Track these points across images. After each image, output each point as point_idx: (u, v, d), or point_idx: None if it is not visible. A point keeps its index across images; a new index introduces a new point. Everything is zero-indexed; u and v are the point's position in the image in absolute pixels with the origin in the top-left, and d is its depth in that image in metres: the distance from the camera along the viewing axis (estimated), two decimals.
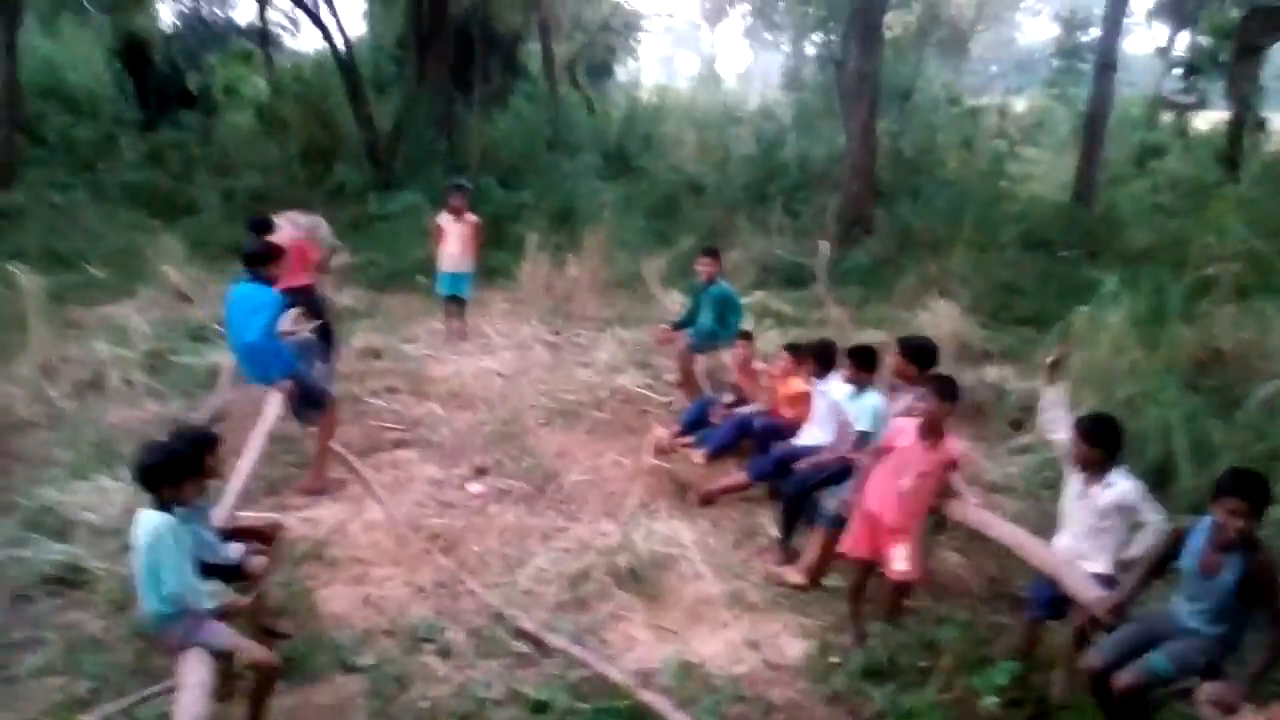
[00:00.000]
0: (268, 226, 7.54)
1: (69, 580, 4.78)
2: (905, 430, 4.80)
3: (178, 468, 3.72)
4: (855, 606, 4.99)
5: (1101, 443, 4.29)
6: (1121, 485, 4.27)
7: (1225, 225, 8.68)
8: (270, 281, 5.95)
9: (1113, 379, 7.05)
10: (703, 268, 8.07)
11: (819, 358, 6.32)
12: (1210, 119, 20.70)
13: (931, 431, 4.69)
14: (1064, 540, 4.49)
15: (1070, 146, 18.89)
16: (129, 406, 7.06)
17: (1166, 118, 22.49)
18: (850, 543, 4.95)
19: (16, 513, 5.37)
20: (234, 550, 4.17)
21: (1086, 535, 4.39)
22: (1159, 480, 6.30)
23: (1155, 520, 4.25)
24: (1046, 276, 11.40)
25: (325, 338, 7.64)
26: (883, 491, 4.80)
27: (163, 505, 3.68)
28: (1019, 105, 27.14)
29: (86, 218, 11.20)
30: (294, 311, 6.31)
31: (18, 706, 3.96)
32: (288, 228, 7.63)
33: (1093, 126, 14.88)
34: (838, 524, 5.21)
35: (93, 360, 7.48)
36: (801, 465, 5.87)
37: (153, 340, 8.10)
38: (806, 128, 19.96)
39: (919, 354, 5.34)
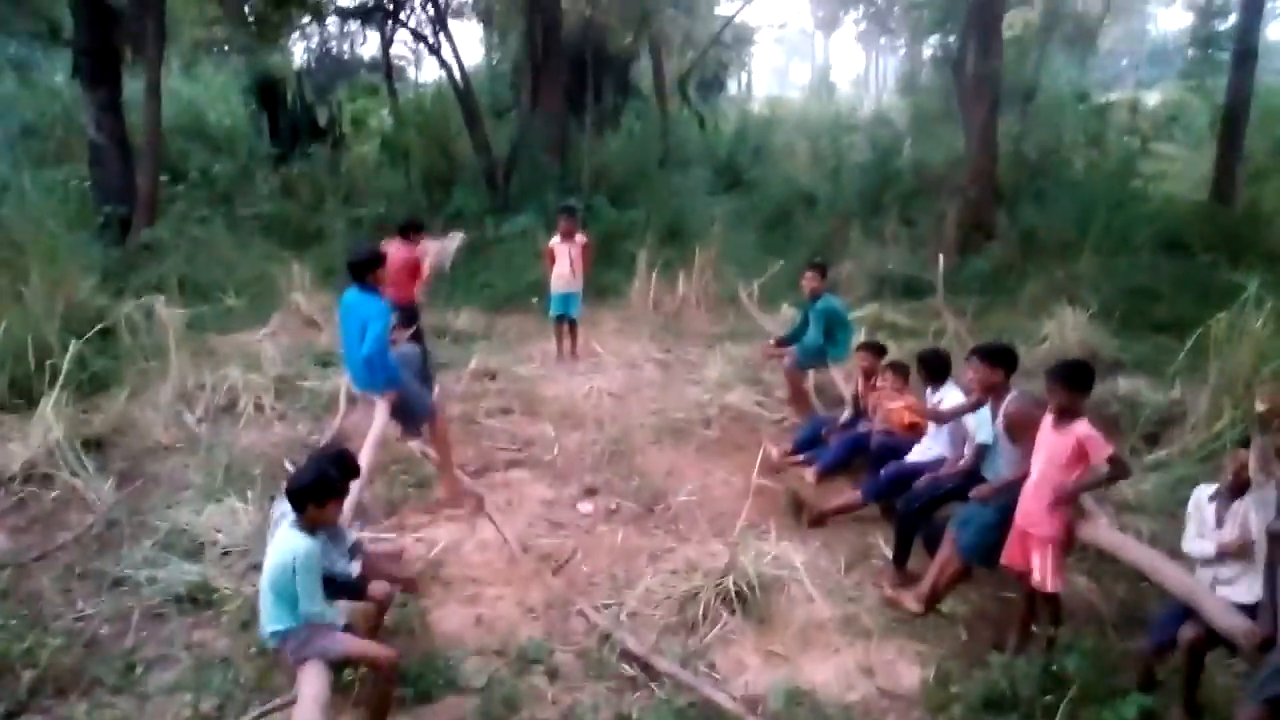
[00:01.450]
0: (419, 226, 8.29)
1: (199, 599, 5.02)
2: (1042, 425, 4.60)
3: (325, 490, 3.87)
4: (1023, 616, 4.86)
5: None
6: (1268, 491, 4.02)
7: None
8: (376, 287, 6.06)
9: (1255, 389, 6.59)
10: (808, 283, 7.95)
11: (930, 367, 6.13)
12: None
13: (1061, 418, 4.46)
14: (1206, 572, 4.24)
15: (1208, 141, 17.79)
16: (259, 430, 7.40)
17: None
18: (1007, 554, 4.79)
19: (153, 534, 5.68)
20: (354, 567, 4.32)
21: (1231, 561, 4.12)
22: None
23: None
24: (1183, 280, 10.76)
25: (421, 349, 7.92)
26: (1025, 498, 4.63)
27: (306, 525, 3.83)
28: (1152, 99, 25.78)
29: (223, 249, 11.80)
30: (400, 330, 6.51)
31: None
32: (404, 248, 7.93)
33: (1232, 119, 14.00)
34: (976, 552, 5.02)
35: (226, 386, 7.86)
36: (921, 483, 5.69)
37: (282, 366, 8.46)
38: (923, 132, 19.46)
39: (999, 356, 5.06)
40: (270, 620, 3.80)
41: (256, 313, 10.10)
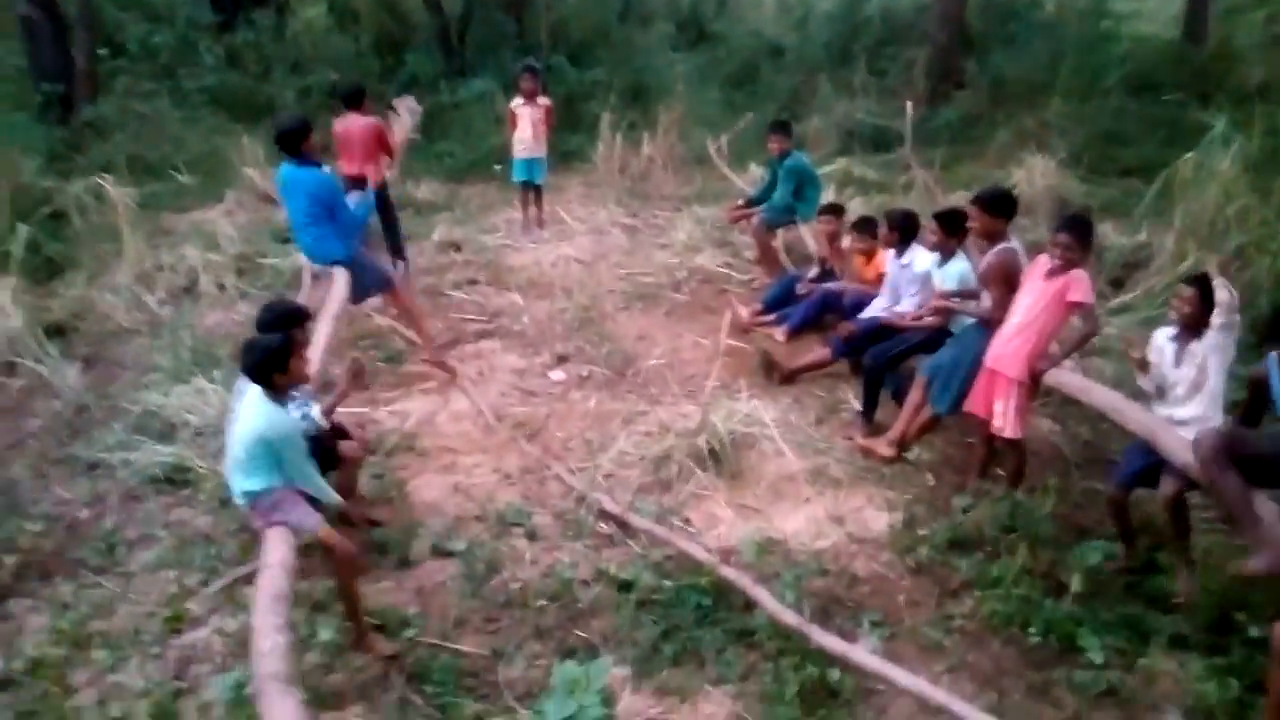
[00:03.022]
0: (360, 96, 7.70)
1: (175, 480, 5.03)
2: (1034, 272, 4.63)
3: (281, 355, 3.81)
4: (981, 462, 5.04)
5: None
6: (1214, 334, 4.09)
7: None
8: (309, 157, 5.86)
9: (1220, 229, 6.63)
10: (773, 144, 7.81)
11: (901, 229, 6.09)
12: None
13: (1061, 268, 4.48)
14: (1164, 410, 4.33)
15: None
16: (222, 310, 7.28)
17: None
18: (971, 401, 4.88)
19: (123, 417, 5.65)
20: (316, 415, 4.30)
21: (1188, 396, 4.20)
22: (1272, 334, 6.00)
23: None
24: (1153, 123, 10.66)
25: (388, 222, 7.81)
26: (999, 342, 4.69)
27: (276, 395, 3.81)
28: None
29: (170, 125, 11.34)
30: (355, 194, 6.35)
31: (136, 599, 4.23)
32: (358, 118, 7.58)
33: None
34: (946, 402, 5.10)
35: (185, 266, 7.70)
36: (893, 322, 5.84)
37: (241, 244, 8.27)
38: None
39: (999, 204, 4.99)
40: (243, 480, 3.80)
41: (210, 189, 9.79)
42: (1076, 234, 4.45)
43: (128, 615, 4.13)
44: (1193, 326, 4.23)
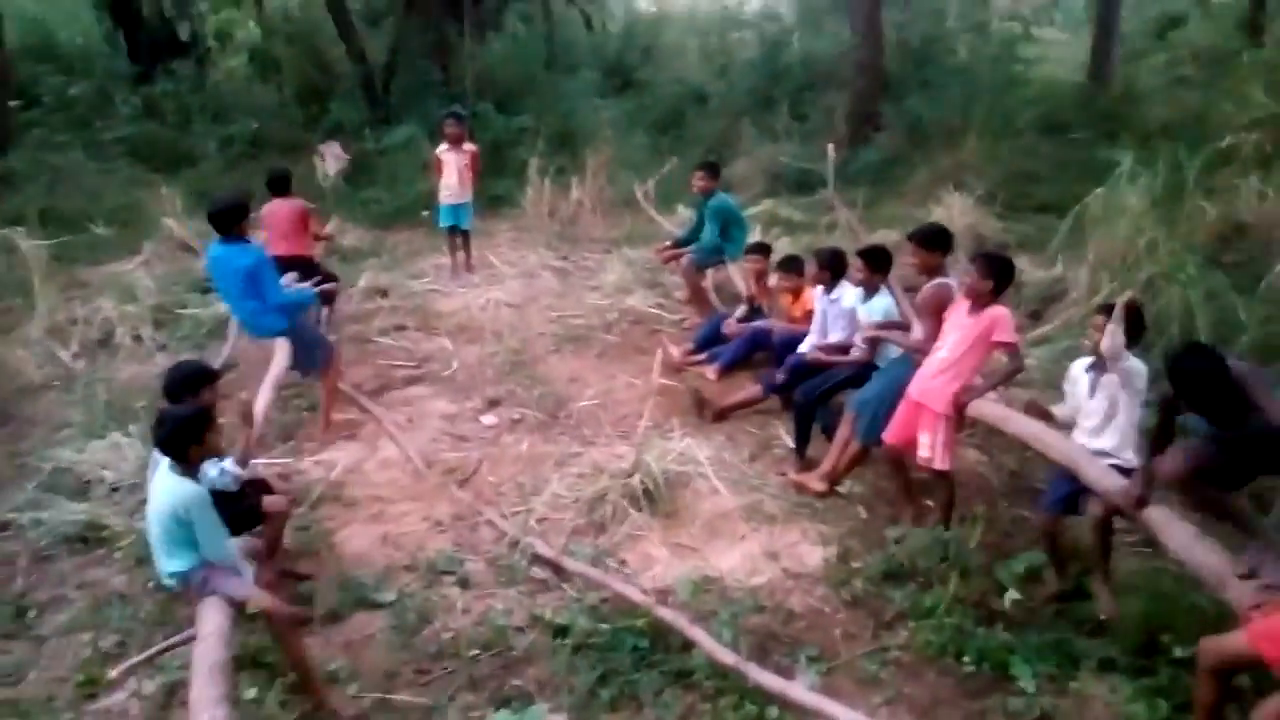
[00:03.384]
0: (286, 183, 7.56)
1: (89, 539, 4.82)
2: (957, 308, 4.73)
3: (195, 427, 3.68)
4: (904, 493, 5.07)
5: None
6: (1132, 363, 4.18)
7: (1245, 94, 8.32)
8: (241, 237, 5.70)
9: (1131, 260, 6.86)
10: (698, 182, 7.93)
11: (829, 267, 6.17)
12: None
13: (977, 302, 4.59)
14: (1080, 439, 4.41)
15: (1086, 24, 18.19)
16: (139, 363, 7.06)
17: None
18: (890, 431, 4.93)
19: (34, 475, 5.41)
20: (231, 475, 4.14)
21: (1102, 427, 4.29)
22: (1133, 332, 6.18)
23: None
24: (1063, 161, 11.04)
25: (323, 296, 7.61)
26: (924, 376, 4.76)
27: (188, 469, 3.67)
28: None
29: (86, 176, 11.09)
30: (291, 276, 6.23)
31: (47, 664, 4.03)
32: (283, 203, 7.45)
33: (1106, 1, 14.28)
34: (872, 436, 5.15)
35: (100, 319, 7.47)
36: (816, 356, 5.90)
37: (159, 295, 8.06)
38: (811, 26, 19.33)
39: (934, 240, 5.09)
40: (166, 560, 3.67)
41: (127, 241, 9.55)
42: (988, 268, 4.57)
43: (39, 681, 3.93)
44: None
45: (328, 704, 3.75)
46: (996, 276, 4.58)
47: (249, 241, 5.79)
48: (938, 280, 4.97)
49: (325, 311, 7.69)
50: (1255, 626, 3.13)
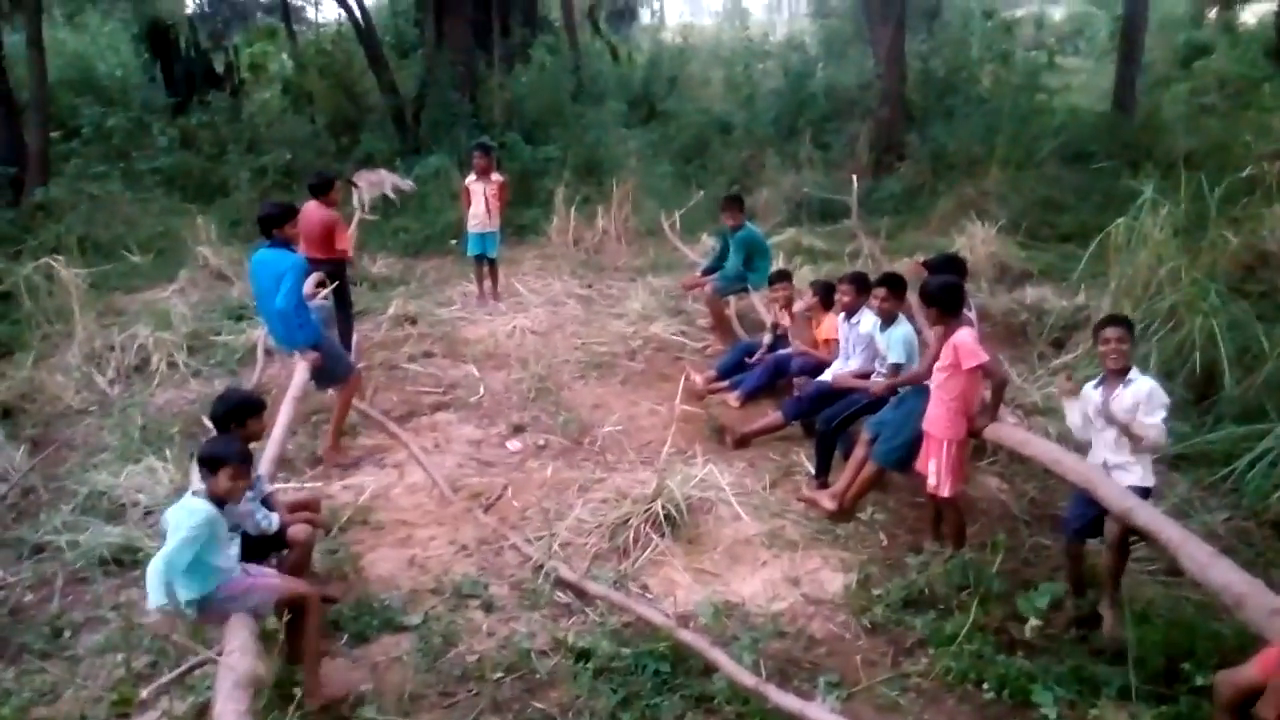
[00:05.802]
0: (326, 187, 7.71)
1: (124, 561, 4.94)
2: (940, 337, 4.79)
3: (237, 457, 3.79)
4: (930, 521, 5.12)
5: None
6: (1142, 381, 4.21)
7: (1268, 123, 8.34)
8: (287, 243, 6.01)
9: (1154, 289, 6.88)
10: (727, 218, 8.09)
11: (859, 290, 6.20)
12: (1258, 10, 19.81)
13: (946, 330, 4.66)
14: (1096, 457, 4.43)
15: (1110, 53, 18.24)
16: (174, 388, 7.24)
17: (1212, 14, 21.58)
18: (919, 462, 4.97)
19: (71, 498, 5.55)
20: (275, 518, 4.27)
21: (1116, 447, 4.31)
22: (1205, 390, 6.20)
23: (1155, 421, 4.20)
24: (1086, 190, 11.10)
25: (344, 309, 7.75)
26: (929, 404, 4.82)
27: (213, 497, 3.76)
28: (1057, 13, 26.24)
29: (123, 206, 11.39)
30: (315, 277, 6.37)
31: (82, 683, 4.12)
32: (318, 208, 7.62)
33: (1131, 29, 14.36)
34: (888, 458, 5.20)
35: (136, 345, 7.66)
36: (841, 385, 5.94)
37: (193, 322, 8.26)
38: (835, 56, 19.54)
39: (943, 267, 5.26)
40: (182, 592, 3.74)
41: (163, 269, 9.80)
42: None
43: (73, 700, 4.02)
44: (1118, 375, 4.34)
45: (320, 692, 3.83)
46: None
47: (292, 249, 6.01)
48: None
49: (355, 339, 7.84)
50: (1265, 655, 3.15)
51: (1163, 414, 4.23)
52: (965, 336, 4.58)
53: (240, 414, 4.23)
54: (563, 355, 8.10)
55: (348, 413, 6.45)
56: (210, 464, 3.76)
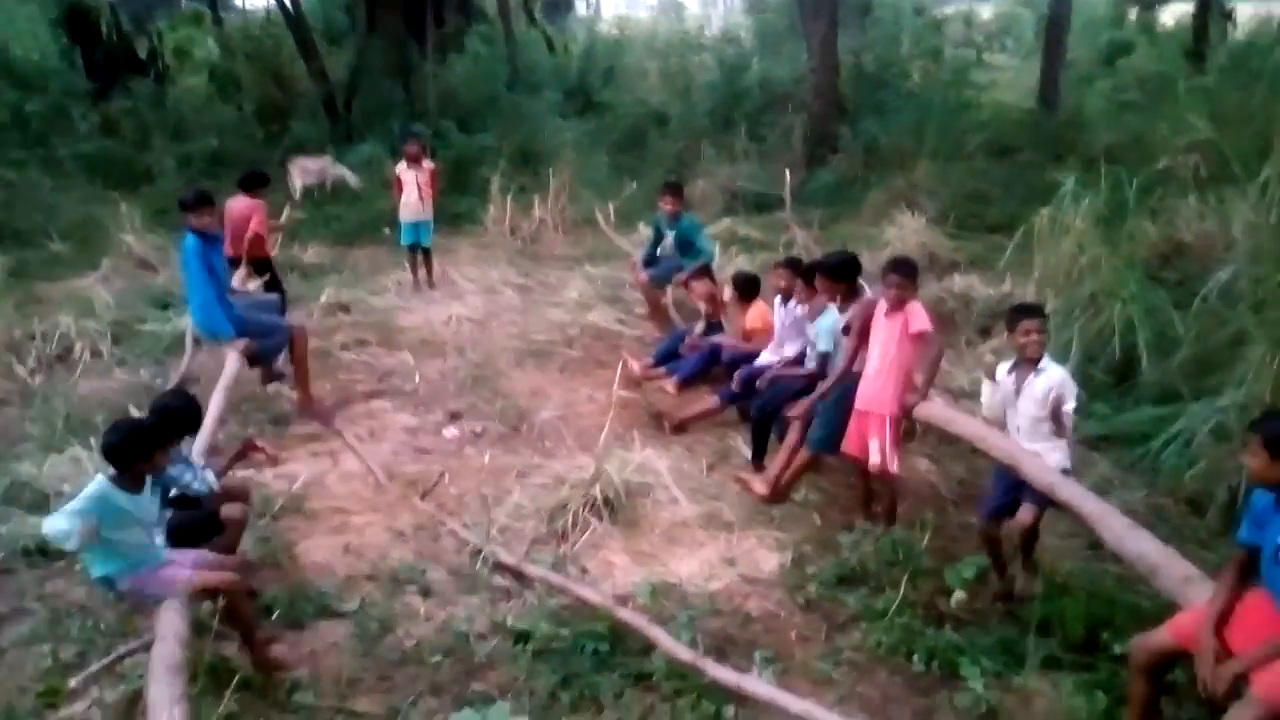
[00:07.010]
0: (255, 182, 7.63)
1: (48, 551, 4.78)
2: (876, 317, 4.93)
3: (145, 442, 3.71)
4: (861, 500, 5.27)
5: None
6: (1053, 369, 4.36)
7: (1185, 118, 8.64)
8: (202, 229, 5.95)
9: (1075, 277, 7.10)
10: (666, 204, 8.10)
11: (801, 276, 6.30)
12: (1177, 12, 20.53)
13: (894, 307, 4.83)
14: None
15: (1036, 51, 18.69)
16: (98, 377, 7.04)
17: (1133, 15, 22.30)
18: (847, 443, 5.09)
19: None
20: (209, 476, 4.26)
21: (1032, 432, 4.44)
22: (1124, 373, 6.42)
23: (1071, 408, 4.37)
24: (1012, 183, 11.37)
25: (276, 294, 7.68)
26: (866, 386, 4.95)
27: (134, 481, 3.70)
28: (985, 12, 26.83)
29: (42, 193, 11.06)
30: (242, 271, 6.31)
31: (7, 675, 4.01)
32: (243, 201, 7.50)
33: (1055, 28, 14.75)
34: (822, 445, 5.30)
35: (58, 334, 7.44)
36: (762, 381, 6.00)
37: (118, 310, 8.05)
38: (770, 50, 19.64)
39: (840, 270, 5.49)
40: (91, 567, 3.72)
41: (85, 257, 9.51)
42: (903, 273, 4.86)
43: None
44: (1030, 363, 4.44)
45: (271, 659, 3.88)
46: (911, 277, 4.89)
47: (205, 235, 5.98)
48: (865, 299, 5.20)
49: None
50: (1178, 620, 3.31)
51: (1074, 403, 4.39)
52: (919, 305, 4.81)
53: (177, 426, 4.18)
54: (500, 343, 8.07)
55: (308, 363, 6.46)
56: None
